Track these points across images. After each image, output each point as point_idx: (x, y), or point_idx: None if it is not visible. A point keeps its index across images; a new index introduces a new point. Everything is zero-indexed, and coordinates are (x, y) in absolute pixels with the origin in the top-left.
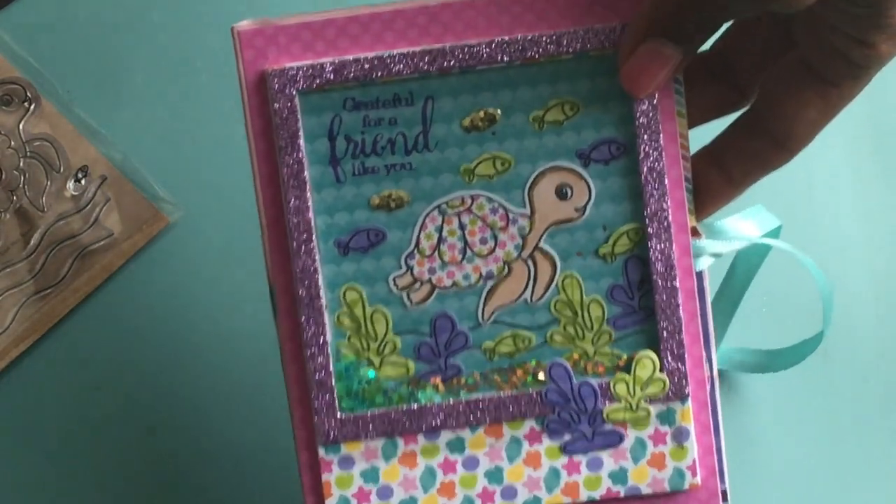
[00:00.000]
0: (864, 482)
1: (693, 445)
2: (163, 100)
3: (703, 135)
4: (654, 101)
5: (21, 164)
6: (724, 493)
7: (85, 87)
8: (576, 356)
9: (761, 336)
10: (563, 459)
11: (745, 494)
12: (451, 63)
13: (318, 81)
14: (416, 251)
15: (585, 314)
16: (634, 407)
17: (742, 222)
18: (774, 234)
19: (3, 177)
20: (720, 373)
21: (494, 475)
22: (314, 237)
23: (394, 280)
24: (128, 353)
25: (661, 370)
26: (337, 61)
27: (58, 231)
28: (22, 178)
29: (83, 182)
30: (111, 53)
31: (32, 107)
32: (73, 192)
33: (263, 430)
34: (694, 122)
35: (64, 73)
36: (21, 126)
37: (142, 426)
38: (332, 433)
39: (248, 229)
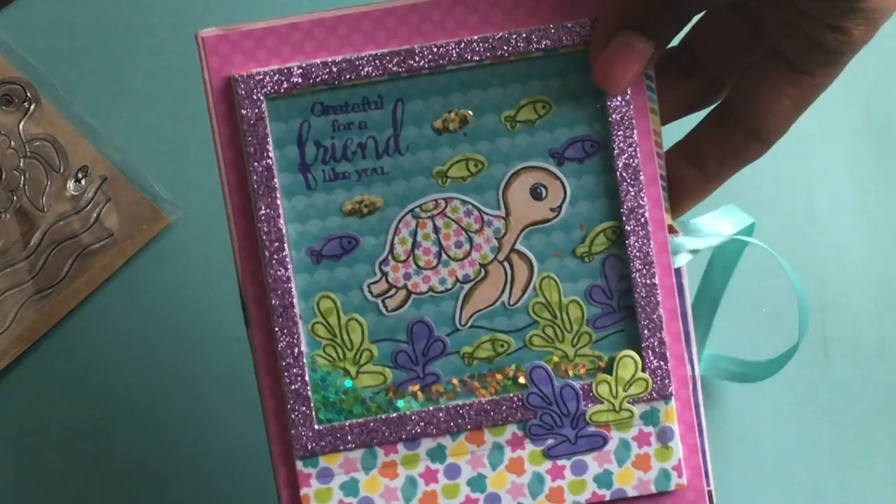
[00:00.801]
0: (864, 482)
1: (678, 445)
2: (163, 100)
3: (674, 132)
4: (627, 97)
5: (21, 164)
6: (710, 494)
7: (85, 87)
8: (556, 358)
9: (749, 342)
10: (547, 464)
11: (746, 494)
12: (421, 63)
13: (285, 86)
14: (390, 257)
15: (564, 315)
16: (617, 408)
17: (716, 220)
18: (747, 231)
19: (3, 177)
20: (704, 379)
21: (477, 483)
22: (286, 246)
23: (368, 287)
24: (128, 353)
25: (643, 369)
26: (304, 65)
27: (58, 231)
28: (22, 178)
29: (83, 182)
30: (111, 53)
31: (32, 107)
32: (73, 192)
33: (264, 428)
34: (665, 118)
35: (64, 73)
36: (21, 126)
37: (142, 426)
38: (309, 445)
39: None
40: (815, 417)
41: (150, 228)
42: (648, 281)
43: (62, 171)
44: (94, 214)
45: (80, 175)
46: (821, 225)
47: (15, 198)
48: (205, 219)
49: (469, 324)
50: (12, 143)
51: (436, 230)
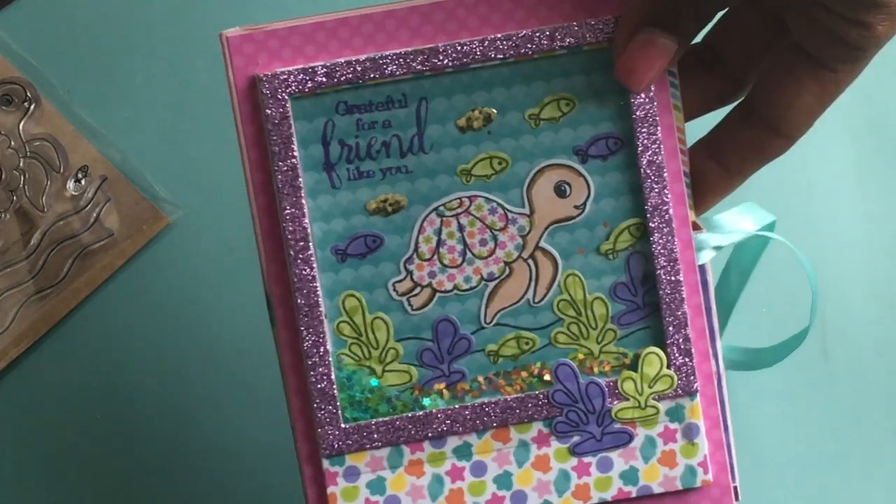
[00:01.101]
0: (864, 481)
1: (703, 441)
2: (163, 100)
3: (697, 129)
4: (651, 94)
5: (21, 164)
6: (736, 490)
7: (85, 87)
8: (581, 356)
9: (752, 335)
10: (573, 461)
11: (746, 494)
12: (444, 62)
13: (309, 85)
14: (415, 255)
15: (589, 313)
16: (643, 405)
17: (738, 217)
18: (769, 228)
19: (4, 177)
20: None
21: (503, 480)
22: (311, 245)
23: (393, 286)
24: (128, 352)
25: (668, 366)
26: (329, 64)
27: (58, 231)
28: (22, 178)
29: (83, 182)
30: (111, 54)
31: (32, 107)
32: (73, 192)
33: (264, 430)
34: (688, 115)
35: (64, 73)
36: (21, 126)
37: (142, 426)
38: (336, 444)
39: (248, 229)
40: (815, 417)
41: (150, 228)
42: (673, 278)
43: (62, 171)
44: (94, 214)
45: (80, 175)
46: (821, 225)
47: (15, 198)
48: (205, 219)
49: (494, 322)
50: (12, 143)
51: (460, 228)
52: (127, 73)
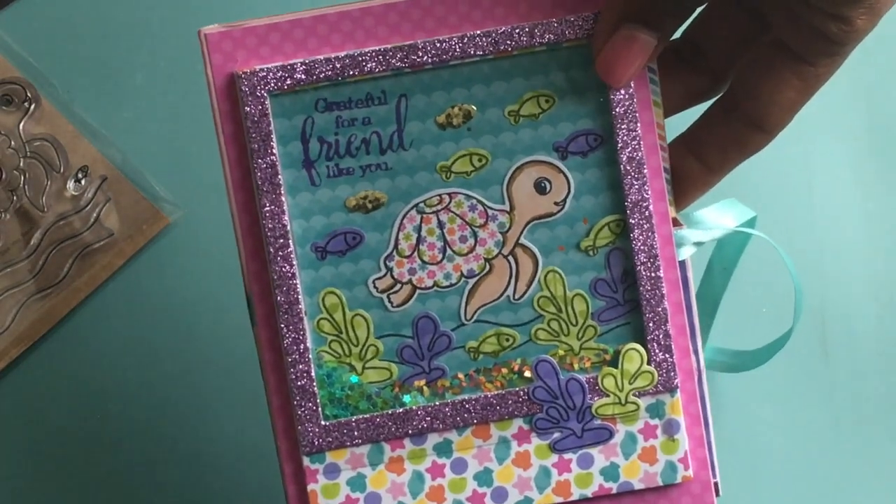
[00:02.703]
0: (864, 481)
1: (684, 437)
2: (163, 100)
3: (677, 124)
4: (630, 90)
5: (21, 164)
6: (716, 486)
7: (85, 87)
8: (561, 352)
9: (744, 338)
10: (553, 458)
11: (746, 494)
12: (424, 59)
13: (288, 82)
14: (395, 252)
15: (569, 309)
16: (623, 401)
17: (718, 213)
18: (749, 224)
19: (4, 177)
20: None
21: (484, 477)
22: (290, 242)
23: (373, 283)
24: (128, 352)
25: (648, 362)
26: (308, 61)
27: (58, 231)
28: (22, 178)
29: (83, 182)
30: (111, 53)
31: (32, 107)
32: (74, 192)
33: (265, 429)
34: (668, 111)
35: (64, 73)
36: (21, 126)
37: (142, 425)
38: (316, 441)
39: None
40: (815, 417)
41: (150, 228)
42: (653, 274)
43: (62, 171)
44: (94, 214)
45: (80, 175)
46: (821, 225)
47: (15, 198)
48: (205, 219)
49: (474, 318)
50: (12, 143)
51: (440, 225)
52: (127, 73)
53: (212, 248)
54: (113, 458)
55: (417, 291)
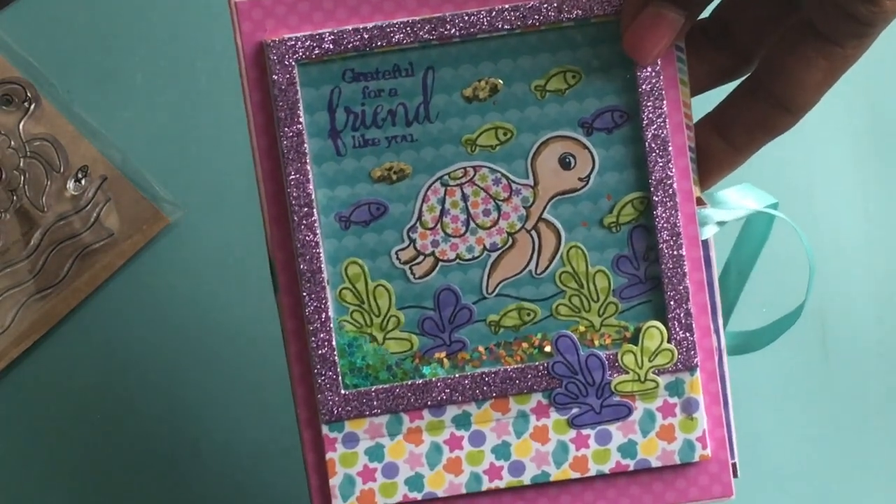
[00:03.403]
0: (864, 481)
1: (703, 416)
2: (163, 100)
3: (704, 104)
4: (658, 68)
5: (21, 164)
6: (734, 467)
7: (85, 87)
8: (582, 328)
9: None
10: (571, 433)
11: (746, 493)
12: (452, 31)
13: (316, 52)
14: (418, 224)
15: (591, 285)
16: (643, 378)
17: (740, 195)
18: (772, 209)
19: (4, 177)
20: None
21: (501, 450)
22: (315, 211)
23: (396, 254)
24: (128, 352)
25: (668, 340)
26: (336, 31)
27: (58, 231)
28: (22, 178)
29: (83, 182)
30: (111, 53)
31: (32, 107)
32: (74, 192)
33: (265, 428)
34: (695, 90)
35: (64, 73)
36: (21, 126)
37: (142, 425)
38: (335, 410)
39: (248, 229)
40: (815, 417)
41: (150, 228)
42: (675, 252)
43: (62, 171)
44: (94, 214)
45: (80, 175)
46: (821, 225)
47: (15, 198)
48: (205, 219)
49: (496, 292)
50: (12, 143)
51: (464, 198)
52: (127, 73)
53: (212, 247)
54: (113, 458)
55: (440, 264)
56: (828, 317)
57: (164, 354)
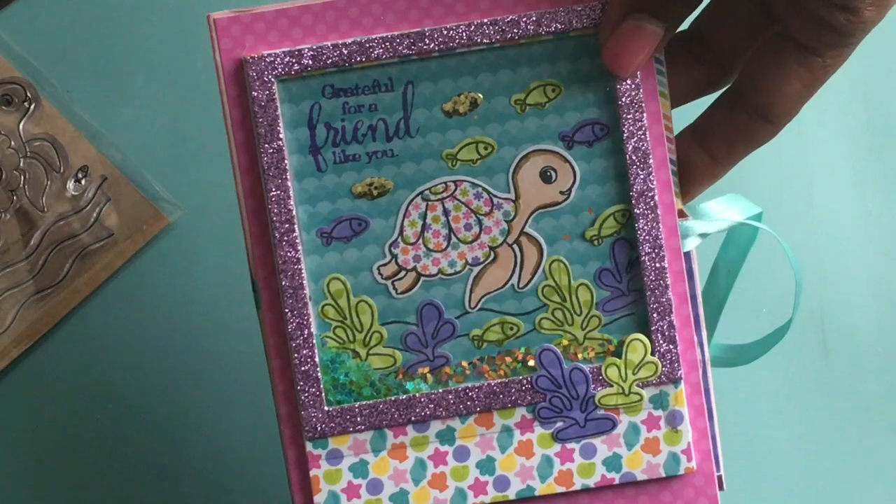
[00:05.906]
0: (864, 481)
1: (687, 429)
2: (163, 100)
3: (684, 116)
4: (637, 81)
5: (21, 164)
6: (720, 479)
7: (85, 87)
8: (565, 342)
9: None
10: (556, 447)
11: (745, 494)
12: (431, 46)
13: (296, 68)
14: (399, 239)
15: (573, 299)
16: (627, 391)
17: (723, 206)
18: (755, 220)
19: (4, 177)
20: None
21: (486, 465)
22: (296, 227)
23: (378, 269)
24: (128, 352)
25: (652, 353)
26: (315, 47)
27: (58, 231)
28: (22, 178)
29: (83, 182)
30: (111, 53)
31: (32, 107)
32: (73, 192)
33: (265, 428)
34: (675, 102)
35: (64, 73)
36: (21, 126)
37: (142, 425)
38: (319, 427)
39: None
40: (815, 417)
41: (150, 228)
42: (658, 264)
43: (62, 171)
44: (94, 214)
45: (80, 175)
46: (821, 225)
47: (15, 198)
48: (205, 219)
49: (478, 306)
50: (12, 143)
51: (445, 213)
52: (127, 73)
53: (212, 247)
54: (113, 458)
55: (422, 279)
56: (828, 317)
57: (164, 354)
